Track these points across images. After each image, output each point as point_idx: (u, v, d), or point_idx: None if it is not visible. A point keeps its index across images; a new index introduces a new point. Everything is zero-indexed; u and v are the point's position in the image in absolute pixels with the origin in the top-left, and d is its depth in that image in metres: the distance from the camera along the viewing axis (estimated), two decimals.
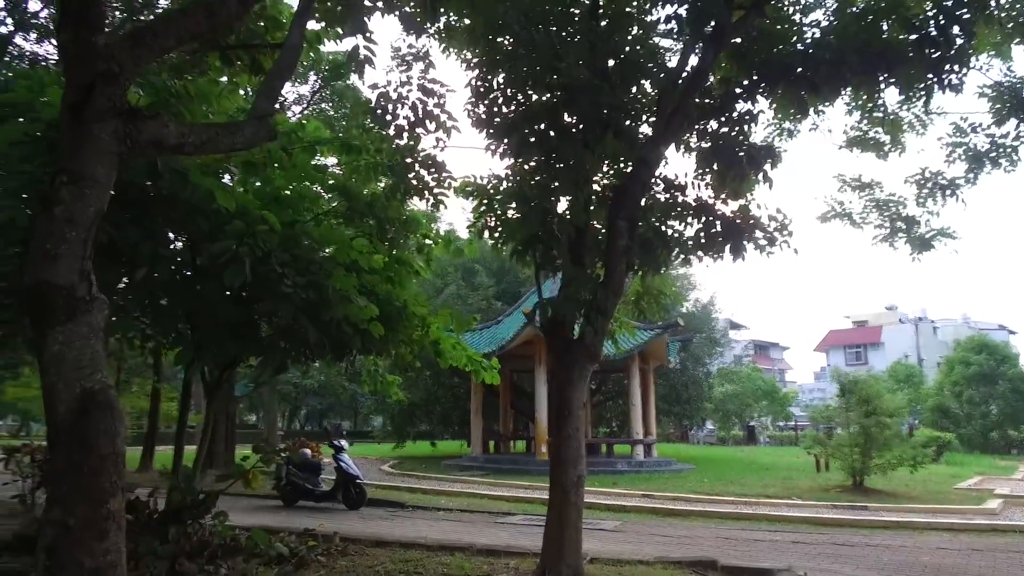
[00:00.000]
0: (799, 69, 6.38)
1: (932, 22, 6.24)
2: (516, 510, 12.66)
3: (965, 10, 6.17)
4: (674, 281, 31.09)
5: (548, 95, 6.36)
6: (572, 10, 6.59)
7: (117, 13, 8.73)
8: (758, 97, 6.80)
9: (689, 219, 7.16)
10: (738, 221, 7.00)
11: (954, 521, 11.86)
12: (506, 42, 6.25)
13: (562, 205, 6.91)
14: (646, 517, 12.34)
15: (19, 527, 7.53)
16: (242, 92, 7.25)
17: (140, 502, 6.95)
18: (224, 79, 6.65)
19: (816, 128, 8.37)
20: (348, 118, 16.24)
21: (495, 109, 6.49)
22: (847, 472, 16.28)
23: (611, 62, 6.63)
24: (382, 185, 7.61)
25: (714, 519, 12.31)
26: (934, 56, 6.22)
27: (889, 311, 73.92)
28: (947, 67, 6.32)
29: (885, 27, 6.49)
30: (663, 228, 7.20)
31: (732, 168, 6.67)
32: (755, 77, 6.69)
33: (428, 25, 6.60)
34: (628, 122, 6.56)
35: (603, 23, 6.58)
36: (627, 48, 6.64)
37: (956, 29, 6.17)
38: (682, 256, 7.32)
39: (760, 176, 6.68)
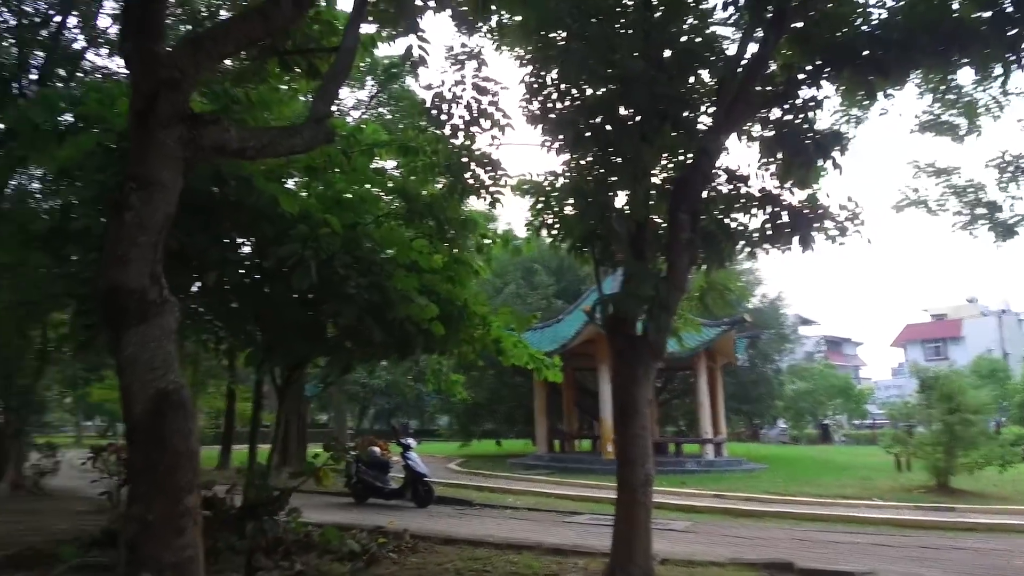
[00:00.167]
0: (865, 52, 6.08)
1: None
2: (583, 509, 12.57)
3: None
4: (740, 276, 30.41)
5: (603, 88, 6.27)
6: (625, 1, 6.48)
7: (182, 26, 9.09)
8: (822, 82, 6.52)
9: (754, 210, 6.95)
10: (806, 211, 6.75)
11: None
12: (559, 37, 6.19)
13: (621, 200, 6.81)
14: (718, 518, 12.06)
15: (106, 523, 7.92)
16: (302, 98, 7.43)
17: (218, 499, 7.21)
18: (283, 86, 6.83)
19: (886, 113, 8.01)
20: (404, 120, 16.47)
21: (549, 105, 6.44)
22: (930, 472, 15.56)
23: (667, 52, 6.48)
24: (440, 185, 7.68)
25: (789, 520, 11.92)
26: (1011, 34, 5.84)
27: (970, 303, 70.26)
28: None
29: (956, 5, 6.12)
30: (726, 220, 7.00)
31: (798, 156, 6.42)
32: (819, 62, 6.41)
33: (480, 24, 6.61)
34: (687, 113, 6.41)
35: (657, 13, 6.43)
36: (683, 37, 6.48)
37: None
38: (747, 249, 7.11)
39: (828, 164, 6.41)
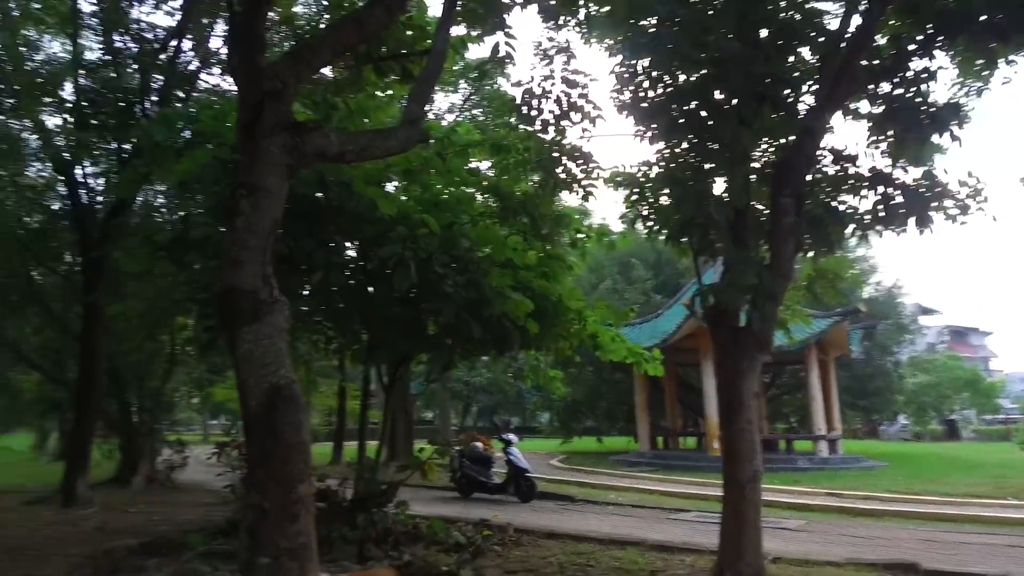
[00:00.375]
0: (983, 17, 5.61)
1: None
2: (689, 506, 12.29)
3: None
4: (852, 263, 28.80)
5: (697, 73, 6.10)
6: None
7: (286, 44, 9.58)
8: (935, 53, 6.07)
9: (864, 191, 6.58)
10: (922, 190, 6.31)
11: None
12: (649, 23, 6.07)
13: (718, 187, 6.60)
14: (833, 517, 11.48)
15: (231, 514, 8.45)
16: (397, 105, 7.66)
17: (331, 491, 7.56)
18: (380, 93, 7.06)
19: (1010, 81, 7.33)
20: (495, 119, 16.64)
21: (641, 93, 6.32)
22: None
23: (763, 32, 6.23)
24: (532, 182, 7.72)
25: (913, 520, 11.18)
26: None
27: None
28: None
29: None
30: (834, 203, 6.66)
31: (911, 132, 6.03)
32: (930, 31, 5.97)
33: (568, 17, 6.58)
34: (786, 93, 6.13)
35: None
36: (781, 15, 6.20)
37: None
38: (858, 233, 6.74)
39: (945, 138, 5.97)
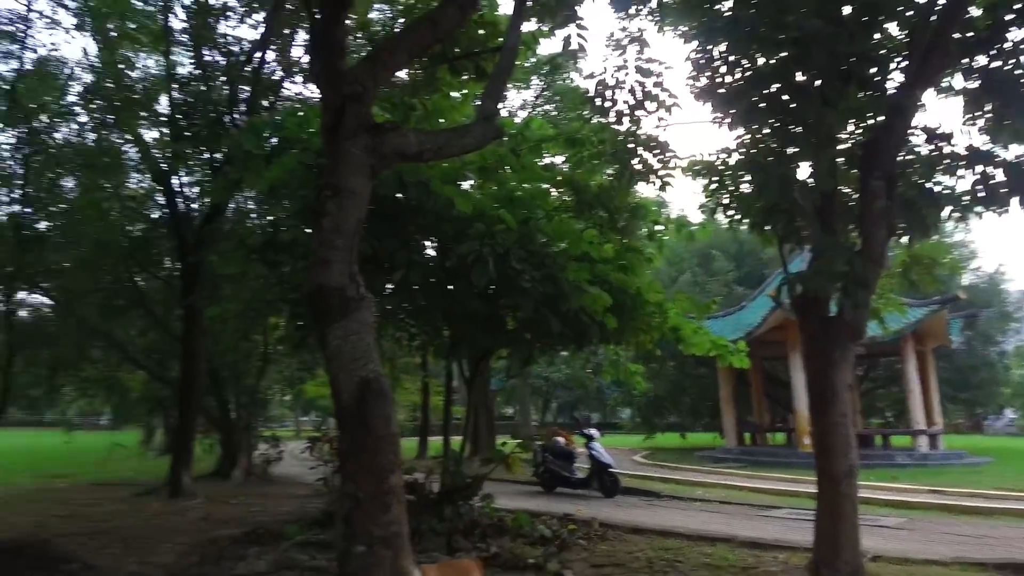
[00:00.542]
0: None
1: None
2: (780, 503, 11.93)
3: None
4: (950, 248, 27.22)
5: (777, 55, 5.91)
6: None
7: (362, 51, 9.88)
8: None
9: (960, 171, 6.21)
10: None
11: None
12: (724, 7, 5.92)
13: (803, 171, 6.38)
14: (935, 514, 10.89)
15: (325, 505, 8.79)
16: (472, 104, 7.76)
17: (419, 484, 7.76)
18: (454, 93, 7.18)
19: None
20: (567, 112, 16.59)
21: (718, 79, 6.17)
22: None
23: (846, 8, 5.97)
24: (607, 175, 7.67)
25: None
26: None
27: None
28: None
29: None
30: (928, 184, 6.32)
31: (1011, 106, 5.65)
32: None
33: (640, 6, 6.50)
34: (873, 71, 5.86)
35: None
36: None
37: None
38: (955, 215, 6.37)
39: None
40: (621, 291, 7.35)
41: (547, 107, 19.33)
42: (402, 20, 8.72)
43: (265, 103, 13.16)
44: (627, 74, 6.57)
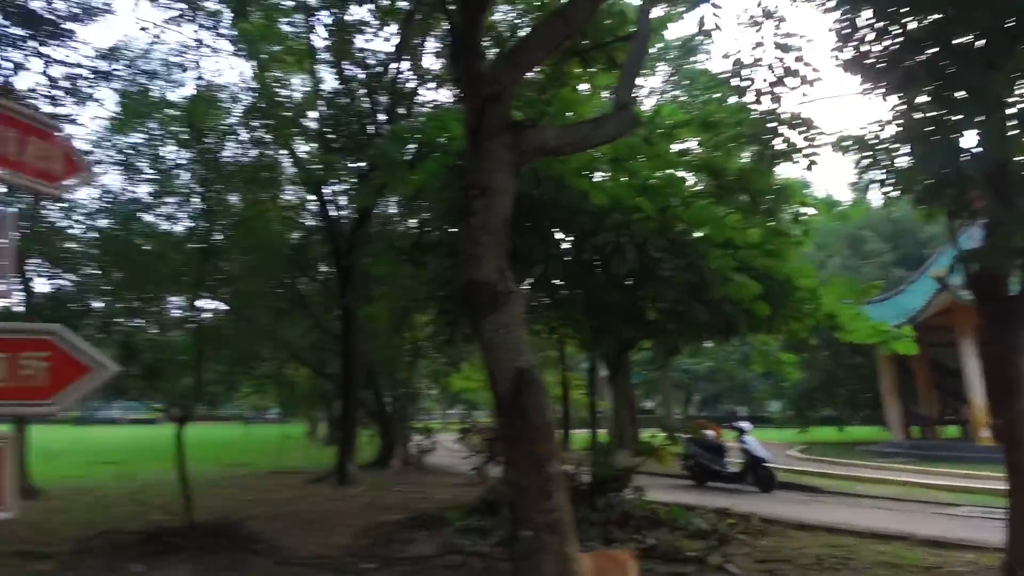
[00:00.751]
0: None
1: None
2: (959, 500, 10.97)
3: None
4: None
5: (931, 16, 5.45)
6: None
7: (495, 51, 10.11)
8: None
9: None
10: None
11: None
12: None
13: (967, 140, 5.84)
14: None
15: (481, 493, 9.13)
16: (600, 97, 7.75)
17: (569, 475, 7.88)
18: (581, 87, 7.19)
19: None
20: (700, 96, 16.09)
21: (864, 48, 5.79)
22: None
23: None
24: (747, 157, 7.40)
25: None
26: None
27: None
28: None
29: None
30: None
31: None
32: None
33: None
34: None
35: None
36: None
37: None
38: None
39: None
40: (769, 277, 7.07)
41: (676, 92, 18.84)
42: (526, 19, 8.84)
43: (402, 111, 13.81)
44: (764, 51, 6.31)
